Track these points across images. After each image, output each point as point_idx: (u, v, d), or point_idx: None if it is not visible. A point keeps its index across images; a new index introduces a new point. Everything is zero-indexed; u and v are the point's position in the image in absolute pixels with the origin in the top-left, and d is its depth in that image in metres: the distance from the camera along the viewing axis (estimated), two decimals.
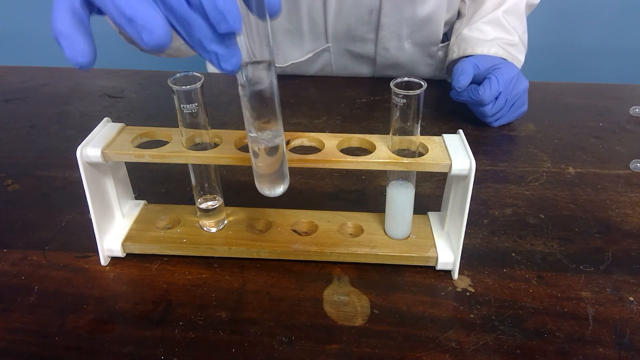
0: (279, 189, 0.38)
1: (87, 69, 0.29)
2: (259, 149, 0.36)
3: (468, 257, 0.46)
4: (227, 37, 0.29)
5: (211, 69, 0.90)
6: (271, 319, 0.40)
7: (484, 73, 0.66)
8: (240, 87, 0.33)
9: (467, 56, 0.71)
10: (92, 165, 0.42)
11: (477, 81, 0.67)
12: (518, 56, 0.72)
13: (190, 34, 0.28)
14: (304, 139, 0.43)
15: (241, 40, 0.31)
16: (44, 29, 1.47)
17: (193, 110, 0.40)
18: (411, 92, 0.38)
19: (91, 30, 0.30)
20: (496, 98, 0.65)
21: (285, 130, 0.37)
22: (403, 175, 0.44)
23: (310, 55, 0.80)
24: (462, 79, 0.65)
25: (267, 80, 0.33)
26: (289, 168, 0.39)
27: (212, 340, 0.38)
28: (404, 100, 0.38)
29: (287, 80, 0.81)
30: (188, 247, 0.45)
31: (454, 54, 0.74)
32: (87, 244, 0.46)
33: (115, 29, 0.53)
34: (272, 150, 0.36)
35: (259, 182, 0.38)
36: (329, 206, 0.52)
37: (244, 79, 0.32)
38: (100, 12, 0.31)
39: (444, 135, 0.43)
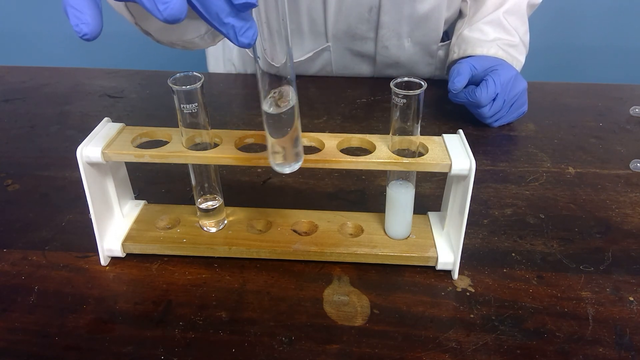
0: (295, 165, 0.39)
1: (90, 40, 0.30)
2: (283, 148, 0.37)
3: (468, 257, 0.46)
4: (243, 10, 0.30)
5: (211, 68, 0.90)
6: (271, 319, 0.40)
7: (482, 74, 0.66)
8: (256, 61, 0.34)
9: (467, 57, 0.71)
10: (92, 165, 0.42)
11: (475, 82, 0.67)
12: (518, 57, 0.72)
13: (207, 7, 0.29)
14: (304, 139, 0.43)
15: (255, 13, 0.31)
16: (44, 29, 1.48)
17: (193, 110, 0.40)
18: (411, 92, 0.38)
19: (100, 6, 0.30)
20: (494, 100, 0.65)
21: None
22: (403, 175, 0.44)
23: (310, 54, 0.80)
24: (457, 81, 0.65)
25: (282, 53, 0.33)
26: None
27: (212, 340, 0.38)
28: (404, 100, 0.38)
29: None
30: (188, 247, 0.45)
31: (455, 54, 0.74)
32: (87, 244, 0.46)
33: (129, 19, 0.53)
34: (295, 143, 0.37)
35: (275, 160, 0.38)
36: (329, 206, 0.52)
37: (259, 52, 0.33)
38: None
39: (444, 135, 0.43)
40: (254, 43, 0.31)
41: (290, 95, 0.35)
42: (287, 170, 0.38)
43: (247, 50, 0.82)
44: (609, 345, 0.38)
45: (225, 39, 0.32)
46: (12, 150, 0.63)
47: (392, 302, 0.42)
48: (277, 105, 0.35)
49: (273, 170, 0.39)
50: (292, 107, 0.36)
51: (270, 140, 0.37)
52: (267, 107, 0.35)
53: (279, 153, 0.38)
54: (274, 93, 0.35)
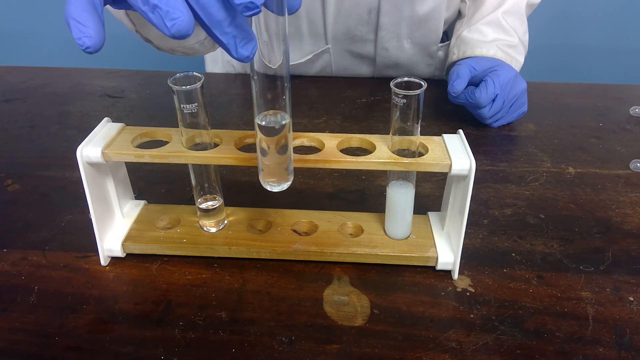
0: (284, 185, 0.39)
1: (93, 52, 0.30)
2: (268, 146, 0.36)
3: (468, 257, 0.46)
4: (244, 22, 0.30)
5: (211, 68, 0.90)
6: (271, 319, 0.40)
7: (481, 75, 0.66)
8: (252, 72, 0.34)
9: (466, 58, 0.71)
10: (92, 165, 0.42)
11: (475, 83, 0.67)
12: (517, 57, 0.72)
13: (209, 16, 0.29)
14: (304, 139, 0.43)
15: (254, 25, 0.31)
16: (44, 29, 1.48)
17: (193, 110, 0.40)
18: (411, 92, 0.38)
19: (103, 19, 0.30)
20: (493, 100, 0.65)
21: None
22: (403, 175, 0.44)
23: (310, 56, 0.80)
24: (457, 84, 0.65)
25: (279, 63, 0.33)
26: (294, 161, 0.39)
27: (212, 340, 0.38)
28: (404, 100, 0.38)
29: None
30: (188, 247, 0.45)
31: (454, 55, 0.74)
32: (87, 244, 0.46)
33: (129, 27, 0.53)
34: (282, 149, 0.37)
35: (264, 177, 0.38)
36: (329, 206, 0.52)
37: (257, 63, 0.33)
38: (115, 2, 0.31)
39: (444, 135, 0.43)
40: (253, 57, 0.31)
41: (284, 114, 0.36)
42: (276, 189, 0.39)
43: None
44: (609, 345, 0.38)
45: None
46: (12, 150, 0.63)
47: (392, 302, 0.42)
48: (271, 120, 0.35)
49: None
50: (285, 124, 0.36)
51: (261, 157, 0.37)
52: (260, 120, 0.35)
53: (270, 171, 0.38)
54: (270, 113, 0.35)
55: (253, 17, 0.31)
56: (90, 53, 0.30)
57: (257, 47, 0.31)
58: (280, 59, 0.33)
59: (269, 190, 0.39)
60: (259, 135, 0.36)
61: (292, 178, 0.39)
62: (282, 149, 0.37)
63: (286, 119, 0.36)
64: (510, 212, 0.52)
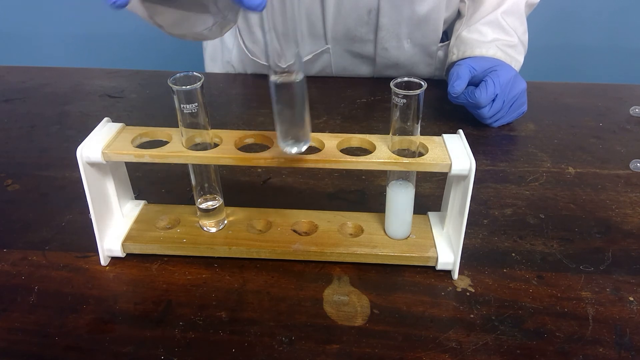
0: (303, 146, 0.39)
1: (121, 8, 0.30)
2: (284, 108, 0.37)
3: (468, 257, 0.46)
4: None
5: (210, 68, 0.90)
6: (271, 319, 0.40)
7: (481, 75, 0.66)
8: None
9: (466, 58, 0.71)
10: (92, 165, 0.42)
11: (475, 83, 0.67)
12: (517, 57, 0.72)
13: None
14: None
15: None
16: (44, 29, 1.48)
17: (193, 110, 0.40)
18: (411, 92, 0.38)
19: None
20: (493, 100, 0.65)
21: None
22: (403, 175, 0.44)
23: (309, 57, 0.80)
24: (457, 84, 0.65)
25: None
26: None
27: (212, 340, 0.38)
28: (404, 100, 0.38)
29: None
30: (188, 247, 0.45)
31: (454, 56, 0.74)
32: (87, 244, 0.46)
33: (141, 15, 0.54)
34: (299, 108, 0.37)
35: (282, 137, 0.38)
36: (329, 206, 0.52)
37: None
38: None
39: (444, 135, 0.43)
40: (263, 7, 0.31)
41: (299, 73, 0.35)
42: (294, 149, 0.38)
43: (247, 52, 0.82)
44: (609, 345, 0.38)
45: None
46: (12, 150, 0.63)
47: (392, 302, 0.42)
48: (286, 79, 0.35)
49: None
50: (301, 81, 0.36)
51: (278, 118, 0.37)
52: (275, 78, 0.35)
53: (285, 130, 0.38)
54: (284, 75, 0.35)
55: (265, 20, 0.31)
56: (118, 8, 0.30)
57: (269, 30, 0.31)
58: (291, 47, 0.33)
59: (287, 151, 0.39)
60: (275, 96, 0.36)
61: (309, 140, 0.39)
62: (300, 107, 0.37)
63: (300, 77, 0.35)
64: (510, 212, 0.52)
